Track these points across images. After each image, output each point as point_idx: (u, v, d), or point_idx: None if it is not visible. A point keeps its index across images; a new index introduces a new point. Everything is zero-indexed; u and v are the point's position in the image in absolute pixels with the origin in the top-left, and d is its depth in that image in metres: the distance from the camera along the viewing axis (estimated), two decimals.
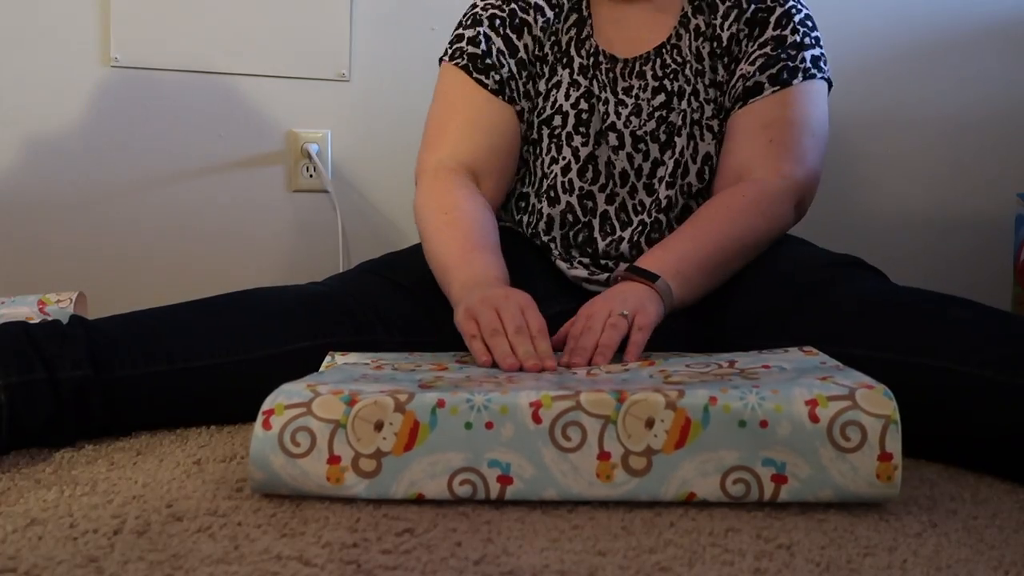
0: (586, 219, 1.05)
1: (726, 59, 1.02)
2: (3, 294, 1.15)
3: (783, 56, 0.98)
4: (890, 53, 1.64)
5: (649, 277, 0.86)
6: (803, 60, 0.99)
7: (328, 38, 1.51)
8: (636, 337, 0.80)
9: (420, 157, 1.06)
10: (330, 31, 1.51)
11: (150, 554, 0.50)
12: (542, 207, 1.06)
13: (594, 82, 1.04)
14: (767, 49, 0.99)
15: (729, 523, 0.56)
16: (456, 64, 1.06)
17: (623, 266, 0.89)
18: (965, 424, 0.70)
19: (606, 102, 1.03)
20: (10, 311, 1.05)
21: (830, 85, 1.04)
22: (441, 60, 1.10)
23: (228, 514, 0.57)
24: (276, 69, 1.50)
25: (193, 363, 0.81)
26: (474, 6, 1.08)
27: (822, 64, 1.01)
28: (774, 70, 0.98)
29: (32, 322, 0.80)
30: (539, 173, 1.07)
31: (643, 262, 0.89)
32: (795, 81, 0.98)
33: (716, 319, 0.91)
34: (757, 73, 0.99)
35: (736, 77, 1.01)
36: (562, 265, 1.05)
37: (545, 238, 1.07)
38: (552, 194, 1.05)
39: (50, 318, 1.05)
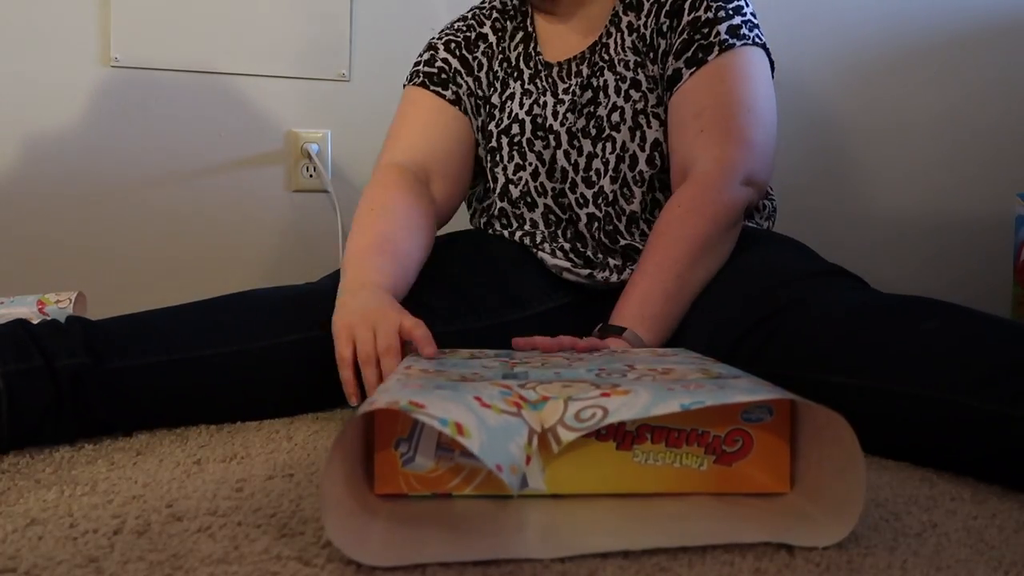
0: (567, 216, 1.08)
1: (651, 55, 1.03)
2: (3, 294, 1.15)
3: (696, 37, 0.98)
4: (890, 53, 1.64)
5: (616, 331, 0.86)
6: (717, 34, 0.97)
7: (328, 38, 1.51)
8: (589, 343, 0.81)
9: (376, 162, 1.09)
10: (330, 31, 1.51)
11: (150, 554, 0.50)
12: (521, 211, 1.09)
13: (538, 89, 1.09)
14: (683, 36, 0.99)
15: None
16: (414, 83, 1.12)
17: (599, 326, 0.89)
18: (944, 449, 0.70)
19: (545, 105, 1.07)
20: (9, 311, 1.06)
21: (766, 50, 1.01)
22: (404, 87, 1.15)
23: (228, 514, 0.57)
24: (276, 69, 1.50)
25: (190, 354, 0.82)
26: (431, 39, 1.16)
27: (743, 31, 0.98)
28: (689, 53, 0.98)
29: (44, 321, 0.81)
30: (502, 180, 1.10)
31: (613, 315, 0.90)
32: (710, 57, 0.97)
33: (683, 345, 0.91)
34: (675, 61, 1.00)
35: (666, 69, 1.02)
36: (543, 255, 1.06)
37: (531, 230, 1.09)
38: (529, 199, 1.09)
39: (49, 318, 1.05)
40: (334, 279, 1.00)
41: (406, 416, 0.57)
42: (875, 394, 0.73)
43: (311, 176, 1.52)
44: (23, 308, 1.07)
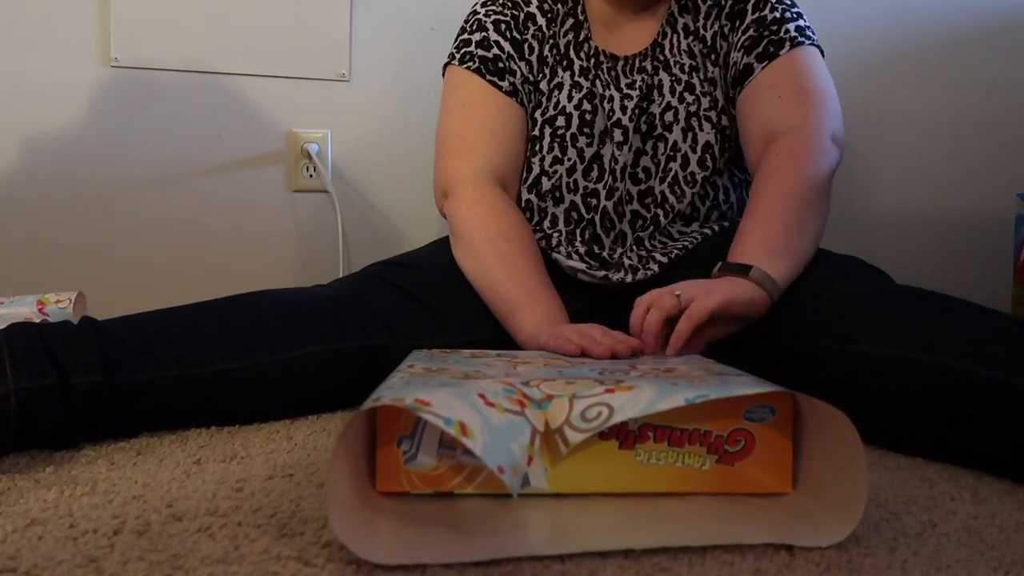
0: (589, 216, 1.07)
1: (713, 56, 1.05)
2: (3, 294, 1.15)
3: (766, 33, 1.01)
4: (890, 53, 1.64)
5: (741, 270, 0.83)
6: (787, 32, 1.01)
7: (328, 38, 1.51)
8: (681, 325, 0.78)
9: (448, 165, 1.05)
10: (330, 31, 1.51)
11: (150, 554, 0.50)
12: (546, 206, 1.08)
13: (596, 82, 1.07)
14: (750, 32, 1.02)
15: None
16: (468, 68, 1.07)
17: (719, 265, 0.87)
18: (963, 421, 0.71)
19: (611, 100, 1.06)
20: (10, 311, 1.05)
21: (822, 52, 1.04)
22: (447, 66, 1.11)
23: (228, 514, 0.57)
24: (276, 69, 1.50)
25: (203, 368, 0.81)
26: (475, 13, 1.11)
27: (808, 32, 1.02)
28: (760, 48, 1.01)
29: (46, 322, 0.79)
30: (536, 170, 1.08)
31: (732, 257, 0.87)
32: (782, 52, 1.00)
33: None
34: (744, 56, 1.01)
35: (730, 67, 1.04)
36: (558, 256, 1.06)
37: (550, 230, 1.08)
38: (557, 194, 1.07)
39: (49, 319, 1.05)
40: (347, 284, 0.99)
41: (408, 413, 0.57)
42: (900, 363, 0.73)
43: (311, 176, 1.52)
44: (23, 308, 1.07)
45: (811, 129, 0.95)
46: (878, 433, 0.76)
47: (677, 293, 0.80)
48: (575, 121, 1.06)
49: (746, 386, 0.56)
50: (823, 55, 1.05)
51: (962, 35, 1.64)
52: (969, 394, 0.69)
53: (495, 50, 1.07)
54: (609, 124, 1.05)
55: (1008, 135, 1.65)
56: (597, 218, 1.06)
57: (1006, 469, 0.70)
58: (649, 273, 1.02)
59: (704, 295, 0.79)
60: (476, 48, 1.07)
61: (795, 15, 1.03)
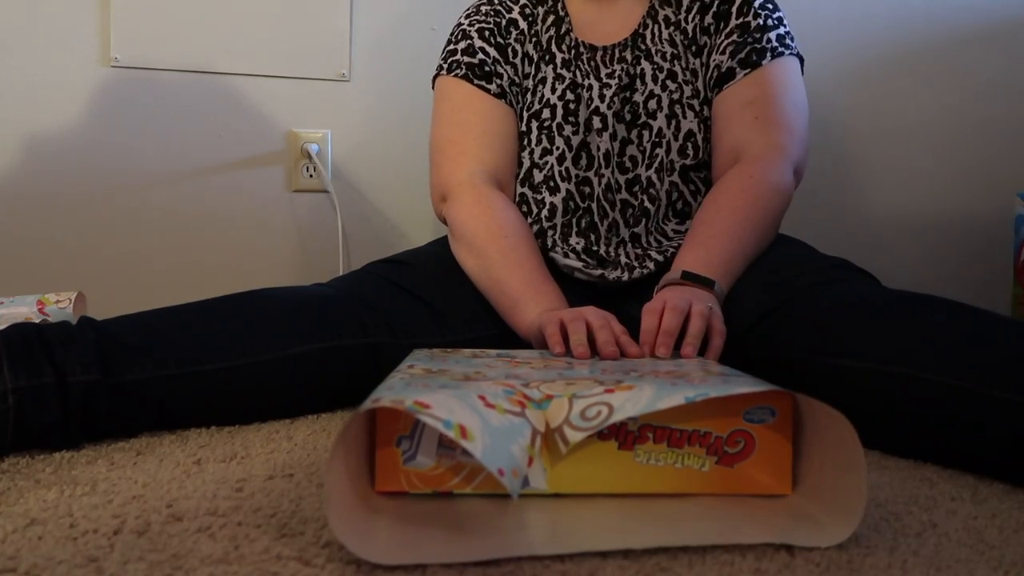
0: (585, 204, 1.07)
1: (694, 48, 1.08)
2: (3, 294, 1.15)
3: (749, 40, 1.04)
4: (890, 54, 1.64)
5: (706, 282, 0.88)
6: (768, 41, 1.04)
7: (328, 38, 1.51)
8: (717, 342, 0.82)
9: (444, 170, 1.06)
10: (330, 31, 1.51)
11: (150, 554, 0.50)
12: (542, 196, 1.08)
13: (577, 72, 1.09)
14: (734, 36, 1.05)
15: None
16: (455, 75, 1.09)
17: (677, 271, 0.90)
18: (945, 432, 0.71)
19: (589, 88, 1.08)
20: (9, 311, 1.06)
21: (801, 60, 1.08)
22: (436, 77, 1.13)
23: (228, 514, 0.57)
24: (276, 69, 1.50)
25: (202, 367, 0.82)
26: (459, 24, 1.13)
27: (788, 42, 1.06)
28: (743, 54, 1.04)
29: (46, 322, 0.80)
30: (527, 163, 1.09)
31: (691, 265, 0.90)
32: (764, 61, 1.03)
33: None
34: (728, 60, 1.04)
35: (711, 67, 1.06)
36: (555, 255, 1.06)
37: (547, 224, 1.08)
38: (552, 184, 1.08)
39: (49, 318, 1.05)
40: (347, 283, 0.99)
41: (408, 414, 0.57)
42: (884, 378, 0.74)
43: (311, 176, 1.52)
44: (23, 308, 1.07)
45: (779, 159, 0.99)
46: (868, 440, 0.76)
47: (709, 306, 0.83)
48: (559, 111, 1.08)
49: (746, 385, 0.56)
50: (803, 63, 1.07)
51: (962, 35, 1.64)
52: (953, 406, 0.69)
53: (480, 56, 1.09)
54: (589, 112, 1.07)
55: (1008, 135, 1.65)
56: (594, 206, 1.07)
57: (998, 474, 0.70)
58: (645, 271, 1.02)
59: (716, 315, 0.84)
60: (462, 56, 1.09)
61: (776, 22, 1.05)
